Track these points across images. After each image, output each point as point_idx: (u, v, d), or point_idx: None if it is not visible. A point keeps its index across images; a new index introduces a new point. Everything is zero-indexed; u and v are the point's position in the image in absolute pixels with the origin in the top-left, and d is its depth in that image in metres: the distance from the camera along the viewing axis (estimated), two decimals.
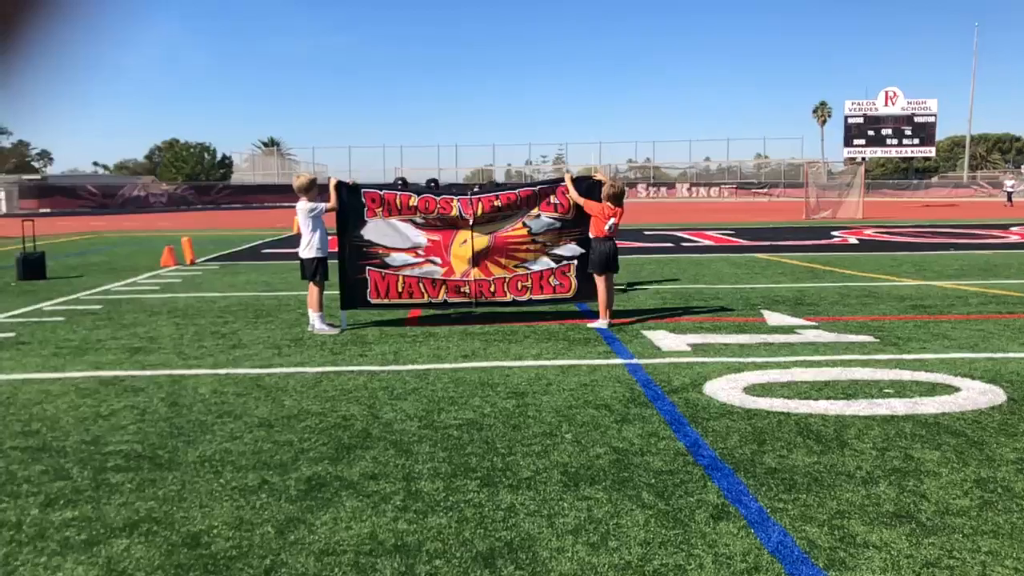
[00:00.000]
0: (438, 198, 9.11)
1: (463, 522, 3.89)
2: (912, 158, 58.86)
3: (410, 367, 7.09)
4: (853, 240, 21.87)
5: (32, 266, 14.24)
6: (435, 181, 10.23)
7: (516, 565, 3.44)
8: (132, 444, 5.09)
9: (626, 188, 10.52)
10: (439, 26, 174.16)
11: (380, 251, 9.06)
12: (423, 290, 9.13)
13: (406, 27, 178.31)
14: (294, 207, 9.52)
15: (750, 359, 7.34)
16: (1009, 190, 48.88)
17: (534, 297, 9.30)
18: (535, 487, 4.32)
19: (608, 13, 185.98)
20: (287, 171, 72.15)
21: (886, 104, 40.77)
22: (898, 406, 5.75)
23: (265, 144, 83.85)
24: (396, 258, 9.07)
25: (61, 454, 4.93)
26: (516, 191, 9.25)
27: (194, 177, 70.27)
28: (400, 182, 10.74)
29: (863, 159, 40.96)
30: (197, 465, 4.72)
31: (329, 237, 9.07)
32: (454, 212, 9.03)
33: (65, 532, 3.82)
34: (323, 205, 8.94)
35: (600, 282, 9.03)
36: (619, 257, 9.23)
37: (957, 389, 6.18)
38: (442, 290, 9.16)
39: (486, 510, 4.03)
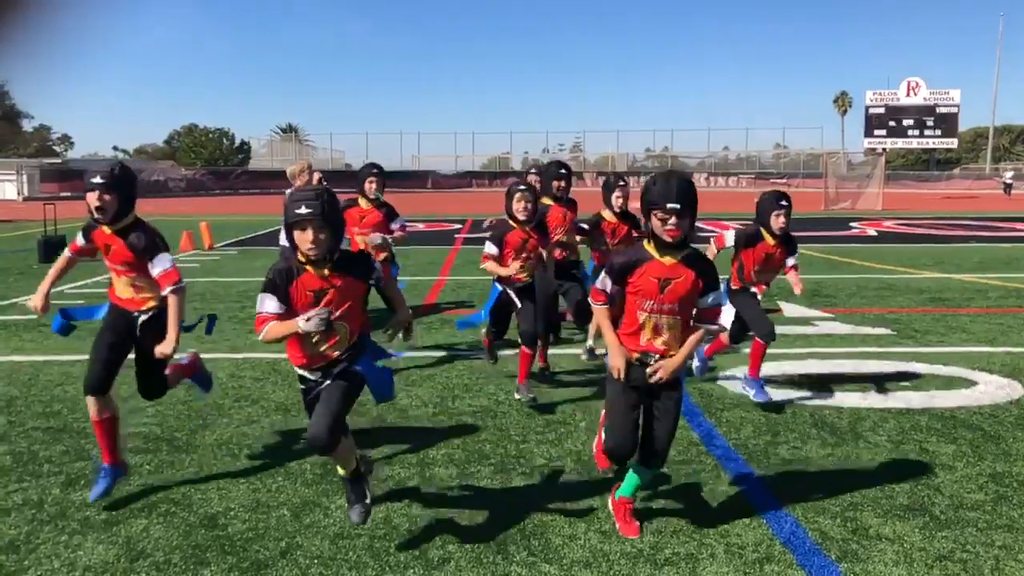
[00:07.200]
0: None
1: (476, 508, 3.92)
2: (934, 149, 58.13)
3: (425, 353, 7.12)
4: (872, 232, 21.69)
5: (53, 249, 14.38)
6: (563, 166, 7.20)
7: (528, 551, 3.47)
8: (151, 426, 5.16)
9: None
10: (458, 13, 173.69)
11: None
12: None
13: (425, 14, 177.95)
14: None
15: None
16: (1008, 181, 48.54)
17: None
18: (548, 474, 4.35)
19: (627, 1, 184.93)
20: (304, 157, 72.46)
21: (908, 94, 40.20)
22: (914, 399, 5.72)
23: (283, 130, 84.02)
24: None
25: (82, 435, 5.00)
26: None
27: (213, 162, 70.50)
28: (534, 170, 7.44)
29: (884, 150, 40.47)
30: (214, 448, 4.78)
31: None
32: None
33: (86, 512, 3.88)
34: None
35: None
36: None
37: (974, 383, 6.14)
38: None
39: (499, 496, 4.06)
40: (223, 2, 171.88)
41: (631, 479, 3.69)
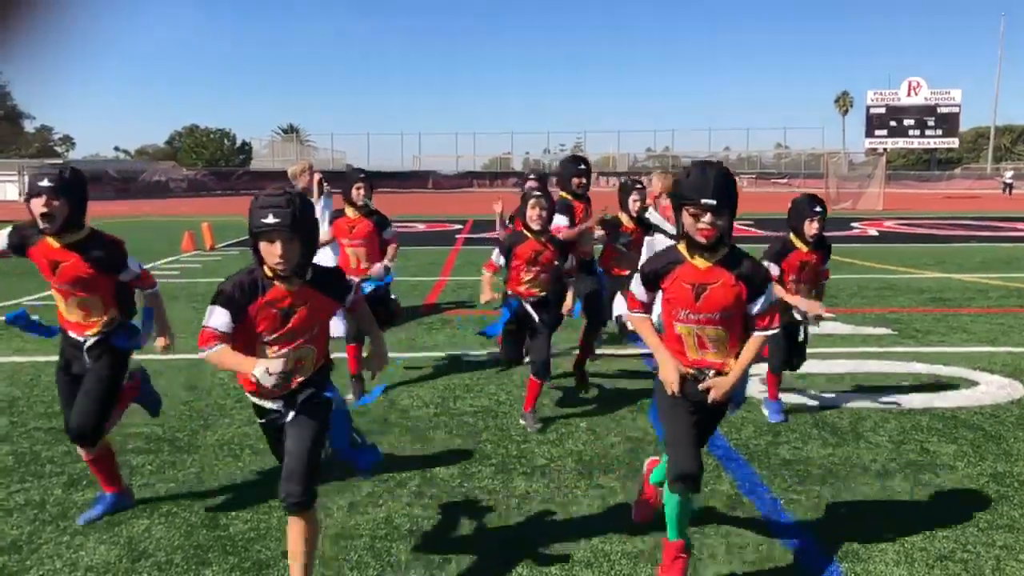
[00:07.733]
0: None
1: (478, 508, 3.92)
2: (935, 149, 58.12)
3: (426, 354, 7.13)
4: (873, 231, 21.68)
5: None
6: (583, 161, 6.33)
7: (529, 551, 3.47)
8: (152, 427, 5.16)
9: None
10: (459, 13, 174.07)
11: None
12: None
13: (426, 14, 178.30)
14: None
15: None
16: (1008, 181, 48.82)
17: None
18: (549, 475, 4.35)
19: (628, 1, 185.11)
20: (306, 157, 72.42)
21: (909, 94, 40.17)
22: (915, 399, 5.72)
23: (284, 130, 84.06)
24: None
25: None
26: None
27: (214, 163, 70.53)
28: (532, 175, 7.32)
29: (885, 150, 40.45)
30: (216, 448, 4.78)
31: None
32: None
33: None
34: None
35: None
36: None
37: (975, 383, 6.14)
38: None
39: (500, 496, 4.06)
40: (223, 2, 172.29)
41: (673, 505, 3.11)
